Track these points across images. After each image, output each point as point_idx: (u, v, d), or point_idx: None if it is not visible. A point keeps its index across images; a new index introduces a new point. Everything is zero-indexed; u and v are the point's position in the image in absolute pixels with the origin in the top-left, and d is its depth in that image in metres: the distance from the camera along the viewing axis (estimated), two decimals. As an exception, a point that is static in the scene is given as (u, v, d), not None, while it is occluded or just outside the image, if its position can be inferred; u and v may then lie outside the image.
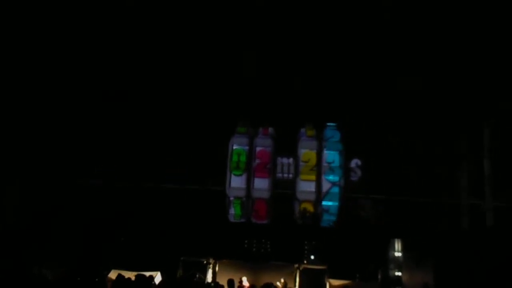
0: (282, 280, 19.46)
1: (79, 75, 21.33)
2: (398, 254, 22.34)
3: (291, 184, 24.38)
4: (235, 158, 24.58)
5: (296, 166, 24.52)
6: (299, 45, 21.02)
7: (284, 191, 24.21)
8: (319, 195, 24.20)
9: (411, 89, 21.25)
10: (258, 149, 24.82)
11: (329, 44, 20.77)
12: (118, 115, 22.87)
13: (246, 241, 23.08)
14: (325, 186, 24.19)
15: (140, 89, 22.51)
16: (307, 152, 24.75)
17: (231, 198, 24.15)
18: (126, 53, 20.99)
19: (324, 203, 24.08)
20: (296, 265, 21.06)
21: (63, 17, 19.37)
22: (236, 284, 16.97)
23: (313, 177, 24.41)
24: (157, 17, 19.75)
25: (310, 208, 24.09)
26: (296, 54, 21.42)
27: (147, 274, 13.36)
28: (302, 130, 24.91)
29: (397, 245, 22.47)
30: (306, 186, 24.35)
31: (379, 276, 21.92)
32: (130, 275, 13.88)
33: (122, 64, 21.30)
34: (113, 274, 17.44)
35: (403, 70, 20.57)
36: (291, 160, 24.64)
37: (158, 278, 18.25)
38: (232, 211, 24.03)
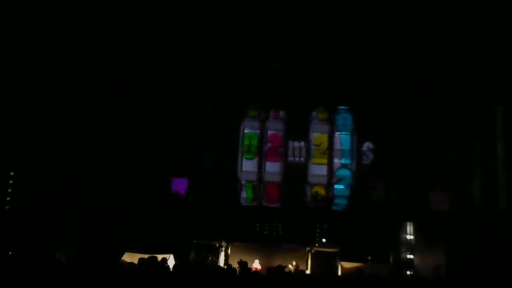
0: (294, 263, 19.50)
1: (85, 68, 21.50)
2: (410, 237, 22.31)
3: (303, 168, 24.43)
4: (246, 142, 24.67)
5: (308, 149, 24.55)
6: (310, 32, 20.99)
7: (295, 174, 24.28)
8: (331, 179, 24.24)
9: (422, 73, 21.13)
10: (269, 132, 24.89)
11: (340, 29, 20.70)
12: (127, 100, 22.96)
13: (258, 224, 23.19)
14: (337, 169, 24.22)
15: (149, 74, 22.56)
16: (318, 136, 24.78)
17: (243, 182, 24.27)
18: (127, 48, 21.11)
19: (336, 186, 24.13)
20: (308, 248, 21.09)
21: (63, 17, 19.48)
22: (251, 267, 17.11)
23: (325, 160, 24.45)
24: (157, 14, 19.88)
25: (321, 191, 24.16)
26: (307, 39, 21.38)
27: (160, 256, 13.47)
28: (314, 113, 24.88)
29: (409, 228, 22.43)
30: (317, 170, 24.42)
31: (391, 259, 21.94)
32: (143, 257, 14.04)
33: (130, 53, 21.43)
34: (126, 257, 17.62)
35: (414, 55, 20.44)
36: (302, 143, 24.66)
37: (171, 260, 18.42)
38: (243, 194, 24.18)
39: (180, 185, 23.37)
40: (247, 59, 22.16)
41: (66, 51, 20.70)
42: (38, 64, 20.54)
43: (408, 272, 21.10)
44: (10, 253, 15.64)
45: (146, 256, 13.57)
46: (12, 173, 20.85)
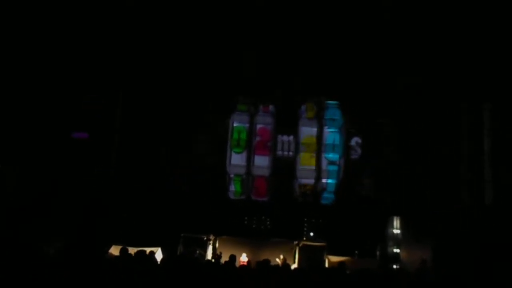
0: (282, 257, 19.55)
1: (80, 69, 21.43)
2: (396, 231, 22.50)
3: (291, 162, 24.48)
4: (235, 135, 24.64)
5: (296, 143, 24.59)
6: (301, 28, 21.01)
7: (284, 168, 24.33)
8: (319, 173, 24.31)
9: (411, 69, 21.27)
10: (258, 126, 24.87)
11: (329, 26, 20.75)
12: (119, 95, 22.93)
13: (246, 218, 23.24)
14: (325, 164, 24.30)
15: (140, 69, 22.53)
16: (307, 130, 24.79)
17: (232, 175, 24.27)
18: (126, 49, 21.04)
19: (324, 180, 24.20)
20: (296, 242, 21.17)
21: (64, 17, 19.36)
22: (238, 260, 17.15)
23: (313, 155, 24.50)
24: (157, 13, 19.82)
25: (310, 186, 24.21)
26: (297, 35, 21.39)
27: (148, 250, 13.48)
28: (303, 107, 24.90)
29: (396, 222, 22.62)
30: (306, 164, 24.45)
31: (378, 253, 22.10)
32: (131, 251, 14.03)
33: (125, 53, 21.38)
34: (114, 250, 17.59)
35: (403, 51, 20.55)
36: (291, 137, 24.68)
37: (159, 254, 18.41)
38: (232, 188, 24.18)
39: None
40: (238, 53, 22.13)
41: (61, 49, 20.57)
42: (31, 62, 20.43)
43: (394, 266, 21.29)
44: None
45: (133, 249, 13.61)
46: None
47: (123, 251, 11.89)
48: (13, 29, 19.23)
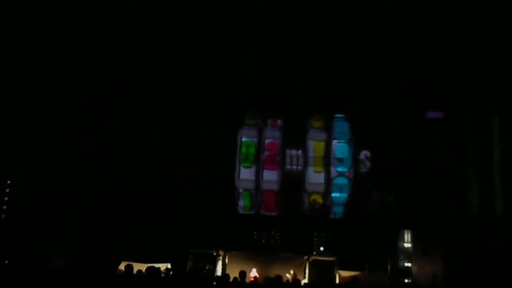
0: (292, 272, 19.43)
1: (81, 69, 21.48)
2: (407, 245, 22.31)
3: (300, 176, 24.43)
4: (244, 150, 24.66)
5: (305, 157, 24.56)
6: (307, 39, 21.03)
7: (293, 182, 24.27)
8: (328, 187, 24.24)
9: (417, 80, 21.23)
10: (267, 141, 24.89)
11: (337, 37, 20.76)
12: (123, 107, 23.00)
13: (255, 233, 23.10)
14: (334, 178, 24.24)
15: (146, 82, 22.60)
16: (315, 144, 24.78)
17: (240, 190, 24.25)
18: (127, 50, 21.10)
19: (333, 194, 24.12)
20: (306, 257, 21.05)
21: (64, 17, 19.49)
22: (248, 276, 17.04)
23: (322, 168, 24.45)
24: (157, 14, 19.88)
25: (319, 199, 24.14)
26: (303, 47, 21.41)
27: (157, 266, 13.48)
28: (311, 121, 24.90)
29: (407, 236, 22.44)
30: (315, 178, 24.41)
31: (389, 267, 21.91)
32: (141, 267, 14.02)
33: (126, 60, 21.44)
34: (123, 266, 17.54)
35: (409, 61, 20.51)
36: (300, 152, 24.66)
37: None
38: (241, 203, 24.14)
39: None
40: (245, 66, 22.17)
41: (63, 51, 20.66)
42: (35, 65, 20.53)
43: (406, 280, 21.09)
44: (6, 262, 15.61)
45: (143, 265, 13.60)
46: (8, 182, 20.81)
47: (128, 268, 11.84)
48: (14, 30, 19.33)
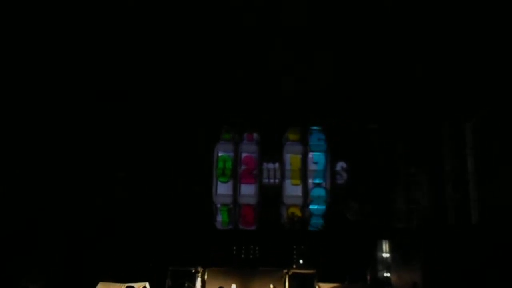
0: (272, 286, 19.36)
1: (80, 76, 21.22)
2: (386, 255, 22.41)
3: (278, 189, 24.43)
4: (220, 165, 24.60)
5: (282, 170, 24.58)
6: (282, 51, 21.07)
7: (271, 196, 24.25)
8: (306, 199, 24.28)
9: (394, 90, 21.43)
10: (243, 155, 24.89)
11: (311, 48, 20.84)
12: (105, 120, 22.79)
13: (234, 248, 23.00)
14: (311, 190, 24.30)
15: (123, 94, 22.43)
16: (292, 157, 24.84)
17: (218, 205, 24.13)
18: (127, 53, 20.90)
19: (311, 206, 24.16)
20: (285, 270, 20.96)
21: (64, 17, 19.24)
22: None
23: (299, 181, 24.50)
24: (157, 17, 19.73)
25: (297, 212, 24.18)
26: (279, 60, 21.46)
27: (137, 286, 13.30)
28: (286, 134, 24.98)
29: (385, 246, 22.54)
30: (292, 191, 24.46)
31: (368, 278, 21.96)
32: (118, 287, 13.81)
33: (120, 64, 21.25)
34: (101, 287, 17.27)
35: (382, 72, 20.72)
36: (276, 165, 24.69)
37: (147, 289, 18.14)
38: (219, 218, 24.01)
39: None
40: (220, 80, 22.12)
41: (64, 57, 20.36)
42: (34, 74, 20.22)
43: (386, 291, 21.16)
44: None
45: (121, 285, 13.40)
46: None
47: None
48: (15, 31, 19.06)
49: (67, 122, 21.98)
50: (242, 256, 22.91)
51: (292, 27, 19.94)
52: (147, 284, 18.22)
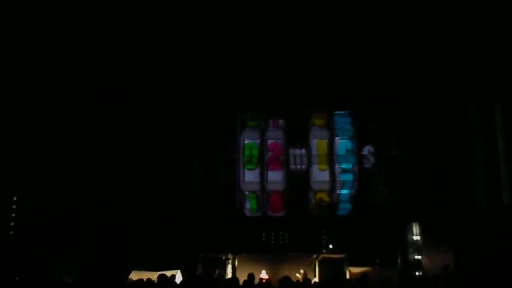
0: (302, 271, 19.42)
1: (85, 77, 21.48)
2: (416, 237, 22.26)
3: (305, 175, 24.41)
4: (247, 152, 24.66)
5: (309, 156, 24.53)
6: (307, 37, 20.96)
7: (298, 182, 24.25)
8: (334, 184, 24.21)
9: (420, 72, 21.17)
10: (269, 142, 24.89)
11: (338, 33, 20.69)
12: (127, 113, 23.03)
13: (263, 234, 23.11)
14: (339, 175, 24.21)
15: (146, 86, 22.58)
16: (318, 142, 24.75)
17: (246, 193, 24.24)
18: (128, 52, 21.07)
19: (339, 191, 24.09)
20: (315, 256, 20.98)
21: (64, 17, 19.44)
22: (257, 278, 17.01)
23: (326, 166, 24.43)
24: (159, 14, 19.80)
25: (325, 197, 24.14)
26: (303, 45, 21.34)
27: (169, 273, 13.47)
28: (312, 120, 24.88)
29: (415, 228, 22.39)
30: (320, 176, 24.40)
31: (399, 261, 21.86)
32: (151, 275, 14.02)
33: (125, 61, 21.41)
34: (133, 275, 17.56)
35: (412, 55, 20.45)
36: (303, 150, 24.64)
37: (178, 276, 18.37)
38: (247, 205, 24.14)
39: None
40: (245, 67, 22.11)
41: (64, 57, 20.64)
42: (40, 75, 20.53)
43: (417, 273, 21.04)
44: (17, 278, 15.60)
45: (153, 273, 13.57)
46: (15, 198, 20.83)
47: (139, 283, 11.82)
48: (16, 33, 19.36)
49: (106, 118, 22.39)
50: (272, 242, 23.00)
51: (292, 27, 19.93)
52: (178, 272, 18.48)
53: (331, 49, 21.08)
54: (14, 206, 20.57)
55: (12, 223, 20.39)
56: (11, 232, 20.32)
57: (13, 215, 20.48)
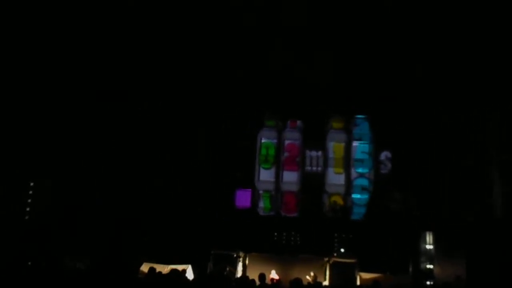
0: (312, 274, 19.35)
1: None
2: (429, 246, 22.08)
3: (321, 177, 24.33)
4: (263, 151, 24.62)
5: (325, 158, 24.45)
6: (327, 40, 20.93)
7: (313, 184, 24.18)
8: (349, 188, 24.10)
9: (438, 80, 21.04)
10: (286, 142, 24.84)
11: (357, 38, 20.64)
12: (142, 110, 23.25)
13: (275, 234, 23.08)
14: (354, 179, 24.09)
15: (147, 86, 22.79)
16: (335, 145, 24.65)
17: (260, 192, 24.23)
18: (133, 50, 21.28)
19: (353, 195, 23.98)
20: (326, 258, 20.92)
21: (64, 17, 19.64)
22: (268, 277, 16.99)
23: (342, 169, 24.32)
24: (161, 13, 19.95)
25: (339, 200, 24.01)
26: (323, 48, 21.31)
27: (180, 268, 13.54)
28: (330, 122, 24.79)
29: (429, 237, 22.20)
30: (335, 179, 24.29)
31: (410, 269, 21.69)
32: (162, 268, 14.11)
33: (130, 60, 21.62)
34: (145, 267, 17.66)
35: (429, 61, 20.31)
36: (319, 153, 24.56)
37: (189, 271, 18.44)
38: (261, 204, 24.13)
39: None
40: (264, 67, 22.15)
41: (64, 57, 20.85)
42: (55, 72, 20.76)
43: (428, 283, 20.87)
44: (29, 263, 15.79)
45: (164, 266, 13.65)
46: (31, 184, 21.09)
47: (151, 271, 11.93)
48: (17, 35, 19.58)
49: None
50: (283, 242, 22.97)
51: (292, 27, 19.88)
52: (189, 267, 18.54)
53: (331, 49, 21.02)
54: (30, 192, 20.84)
55: (28, 209, 20.66)
56: (27, 217, 20.59)
57: (29, 200, 20.74)
